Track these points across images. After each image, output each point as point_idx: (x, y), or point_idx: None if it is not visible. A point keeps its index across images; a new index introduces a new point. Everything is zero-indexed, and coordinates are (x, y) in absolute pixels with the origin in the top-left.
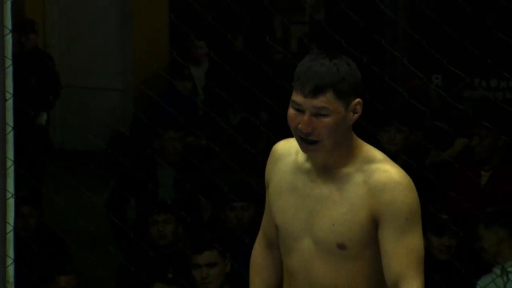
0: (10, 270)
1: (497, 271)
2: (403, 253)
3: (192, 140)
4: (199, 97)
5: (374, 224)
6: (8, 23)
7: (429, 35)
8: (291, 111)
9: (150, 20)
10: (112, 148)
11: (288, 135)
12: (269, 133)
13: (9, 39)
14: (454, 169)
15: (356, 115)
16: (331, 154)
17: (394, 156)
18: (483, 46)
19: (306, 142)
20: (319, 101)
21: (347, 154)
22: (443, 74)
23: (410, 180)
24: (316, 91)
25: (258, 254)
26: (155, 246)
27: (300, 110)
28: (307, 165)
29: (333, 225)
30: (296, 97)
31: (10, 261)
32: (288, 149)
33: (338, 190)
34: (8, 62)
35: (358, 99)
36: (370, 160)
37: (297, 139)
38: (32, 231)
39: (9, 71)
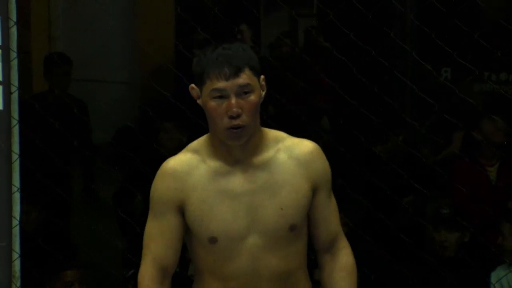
0: (16, 265)
1: None
2: (334, 212)
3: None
4: None
5: (312, 194)
6: (13, 15)
7: (438, 28)
8: (212, 103)
9: (155, 12)
10: (118, 141)
11: (295, 128)
12: (276, 126)
13: (14, 31)
14: (457, 164)
15: (263, 92)
16: (249, 142)
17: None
18: (493, 39)
19: (234, 129)
20: (243, 79)
21: (261, 139)
22: (452, 67)
23: None
24: (237, 70)
25: None
26: None
27: (223, 96)
28: (226, 167)
29: (281, 209)
30: (218, 84)
31: (16, 255)
32: (188, 164)
33: (271, 176)
34: (13, 55)
35: (263, 76)
36: (279, 139)
37: (225, 133)
38: (33, 226)
39: (14, 64)
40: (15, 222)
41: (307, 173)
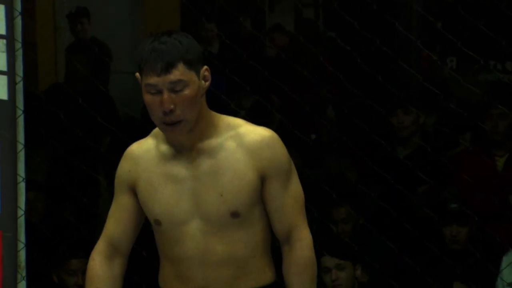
0: (22, 255)
1: None
2: (291, 203)
3: None
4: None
5: (260, 183)
6: (18, 5)
7: (443, 17)
8: (148, 97)
9: (161, 2)
10: (123, 131)
11: (299, 119)
12: (281, 117)
13: (18, 21)
14: (464, 153)
15: (207, 83)
16: (194, 129)
17: (406, 139)
18: (498, 28)
19: (171, 125)
20: (174, 76)
21: (209, 126)
22: (457, 57)
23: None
24: (168, 67)
25: (98, 265)
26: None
27: (156, 92)
28: (172, 150)
29: (221, 195)
30: (150, 79)
31: (21, 245)
32: (144, 148)
33: (215, 162)
34: (18, 45)
35: (205, 66)
36: (233, 126)
37: (160, 126)
38: (40, 216)
39: (19, 54)
40: (20, 212)
41: (254, 161)
